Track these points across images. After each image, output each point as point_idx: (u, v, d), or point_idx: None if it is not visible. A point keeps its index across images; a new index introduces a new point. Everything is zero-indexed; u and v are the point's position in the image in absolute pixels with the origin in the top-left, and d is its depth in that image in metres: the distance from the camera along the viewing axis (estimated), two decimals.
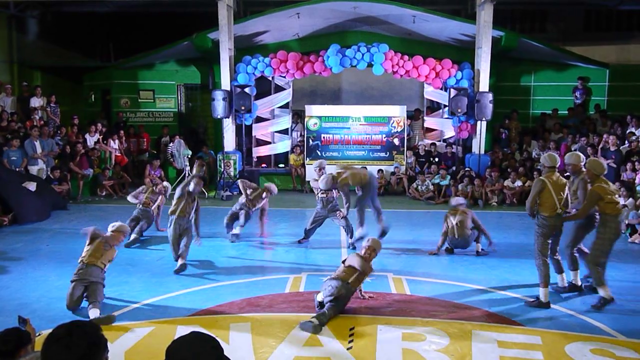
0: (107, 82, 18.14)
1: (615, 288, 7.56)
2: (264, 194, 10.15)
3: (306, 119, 16.13)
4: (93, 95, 18.53)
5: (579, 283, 7.35)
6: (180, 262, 8.14)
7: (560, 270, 7.33)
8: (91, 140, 15.21)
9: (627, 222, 11.04)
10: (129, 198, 10.58)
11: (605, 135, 13.59)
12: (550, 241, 6.99)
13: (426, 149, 16.16)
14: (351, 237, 9.52)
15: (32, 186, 12.22)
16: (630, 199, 11.45)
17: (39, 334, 4.51)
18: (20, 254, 9.15)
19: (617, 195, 7.03)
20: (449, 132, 16.53)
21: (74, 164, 14.25)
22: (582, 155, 7.21)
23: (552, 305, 6.81)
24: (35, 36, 18.08)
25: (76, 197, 14.05)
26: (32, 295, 7.07)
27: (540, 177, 6.97)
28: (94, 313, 6.21)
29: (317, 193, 9.66)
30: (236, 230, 9.88)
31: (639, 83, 16.29)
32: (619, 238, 7.06)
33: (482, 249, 9.11)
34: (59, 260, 8.69)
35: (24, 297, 6.96)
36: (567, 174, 7.53)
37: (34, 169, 13.18)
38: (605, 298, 6.80)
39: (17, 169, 12.78)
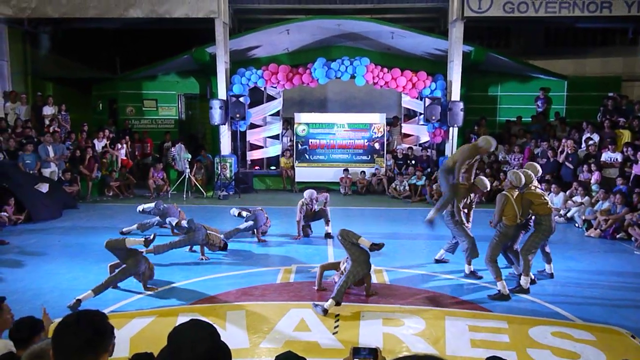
0: (114, 92, 18.00)
1: (573, 277, 7.66)
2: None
3: (295, 126, 16.11)
4: (101, 104, 18.41)
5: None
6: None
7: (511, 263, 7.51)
8: (99, 145, 15.10)
9: (583, 217, 11.14)
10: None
11: (563, 140, 13.68)
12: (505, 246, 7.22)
13: (404, 152, 16.19)
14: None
15: (44, 187, 12.10)
16: (587, 197, 11.55)
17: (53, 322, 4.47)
18: (34, 249, 9.06)
19: (546, 196, 7.18)
20: (424, 137, 16.57)
21: (83, 166, 14.16)
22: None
23: (518, 294, 6.87)
24: (47, 50, 17.90)
25: (85, 197, 13.92)
26: (46, 286, 7.00)
27: (503, 192, 7.07)
28: (88, 295, 6.31)
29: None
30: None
31: (593, 93, 16.38)
32: (551, 234, 7.19)
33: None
34: (70, 255, 8.61)
35: (38, 289, 6.89)
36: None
37: (46, 172, 13.05)
38: (522, 286, 6.96)
39: (31, 172, 12.65)
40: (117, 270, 6.75)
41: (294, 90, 16.66)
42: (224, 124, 15.15)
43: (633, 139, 13.21)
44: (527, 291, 6.90)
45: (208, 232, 8.41)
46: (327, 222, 10.02)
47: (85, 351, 2.06)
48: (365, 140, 16.05)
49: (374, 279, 7.18)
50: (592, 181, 12.25)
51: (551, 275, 7.53)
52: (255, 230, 9.66)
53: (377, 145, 16.02)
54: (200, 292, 6.82)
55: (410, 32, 15.39)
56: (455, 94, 15.15)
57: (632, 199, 10.67)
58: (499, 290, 6.81)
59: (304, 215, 9.87)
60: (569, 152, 13.18)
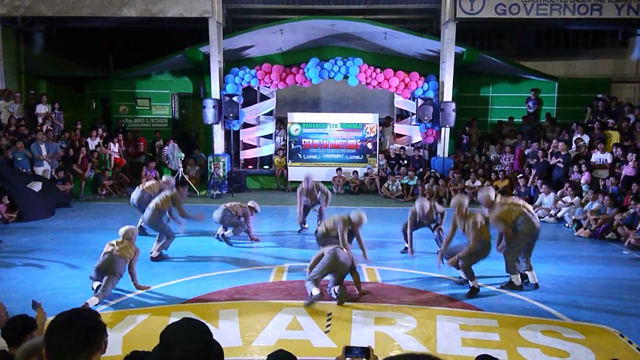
0: (107, 91, 17.91)
1: (563, 276, 7.69)
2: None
3: (288, 125, 16.09)
4: (94, 103, 18.31)
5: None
6: None
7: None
8: (92, 143, 15.02)
9: (573, 217, 11.20)
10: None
11: (554, 141, 13.75)
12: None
13: (396, 152, 16.20)
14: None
15: (37, 186, 12.01)
16: (577, 198, 11.61)
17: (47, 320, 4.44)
18: (26, 247, 9.00)
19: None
20: (417, 138, 16.59)
21: (76, 165, 14.08)
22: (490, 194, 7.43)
23: (509, 293, 6.92)
24: (41, 49, 17.80)
25: (78, 196, 13.84)
26: (38, 285, 6.96)
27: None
28: (93, 301, 6.14)
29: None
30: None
31: (584, 95, 16.45)
32: (532, 237, 7.20)
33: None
34: (62, 254, 8.56)
35: (30, 287, 6.85)
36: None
37: (39, 170, 12.96)
38: (513, 283, 7.09)
39: (24, 170, 12.56)
40: (105, 278, 6.45)
41: (287, 90, 16.64)
42: (218, 123, 15.12)
43: (622, 140, 13.30)
44: (520, 288, 7.03)
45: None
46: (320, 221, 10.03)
47: (78, 349, 2.04)
48: (358, 140, 16.06)
49: (366, 278, 7.19)
50: (582, 182, 12.31)
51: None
52: (247, 229, 9.65)
53: (369, 145, 16.03)
54: (193, 290, 6.81)
55: (403, 33, 15.41)
56: (448, 94, 15.19)
57: (622, 200, 10.75)
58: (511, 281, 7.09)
59: (305, 203, 10.10)
60: (560, 152, 13.25)
